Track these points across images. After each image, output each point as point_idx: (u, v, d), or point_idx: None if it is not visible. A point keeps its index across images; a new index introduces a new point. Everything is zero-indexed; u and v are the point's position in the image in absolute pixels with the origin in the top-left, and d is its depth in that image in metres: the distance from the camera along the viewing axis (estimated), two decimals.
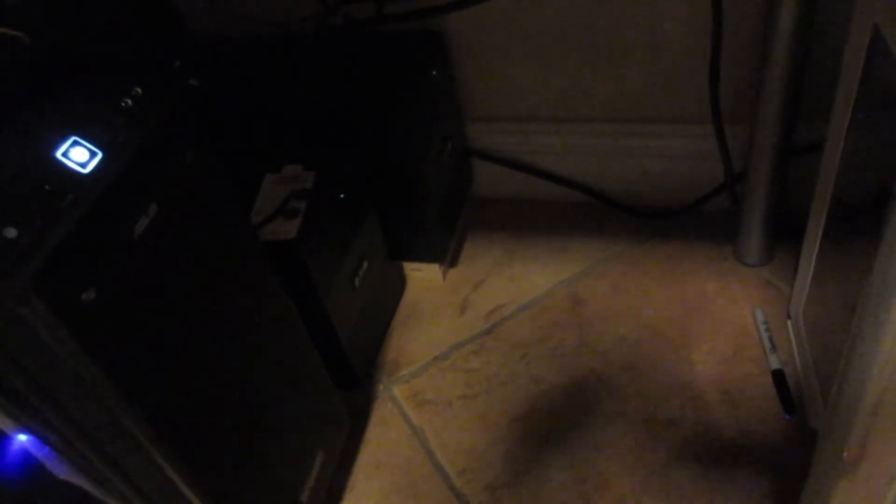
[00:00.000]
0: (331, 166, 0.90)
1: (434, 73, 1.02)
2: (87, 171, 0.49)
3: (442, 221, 1.10)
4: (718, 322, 0.98)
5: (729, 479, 0.83)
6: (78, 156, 0.49)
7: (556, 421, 0.92)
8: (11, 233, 0.44)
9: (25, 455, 0.55)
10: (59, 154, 0.48)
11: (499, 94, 1.12)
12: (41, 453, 0.54)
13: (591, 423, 0.91)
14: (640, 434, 0.89)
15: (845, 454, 0.54)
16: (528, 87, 1.10)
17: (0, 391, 0.48)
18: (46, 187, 0.47)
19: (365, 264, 0.97)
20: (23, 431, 0.52)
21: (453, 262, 1.16)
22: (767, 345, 0.93)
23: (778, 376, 0.90)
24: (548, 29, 1.03)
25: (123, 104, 0.53)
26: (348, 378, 0.97)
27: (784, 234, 1.03)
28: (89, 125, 0.51)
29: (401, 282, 1.13)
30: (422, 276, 1.13)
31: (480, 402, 0.96)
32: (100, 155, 0.50)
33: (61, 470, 0.55)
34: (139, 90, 0.55)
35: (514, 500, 0.86)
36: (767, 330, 0.95)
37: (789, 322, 0.95)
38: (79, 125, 0.50)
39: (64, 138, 0.49)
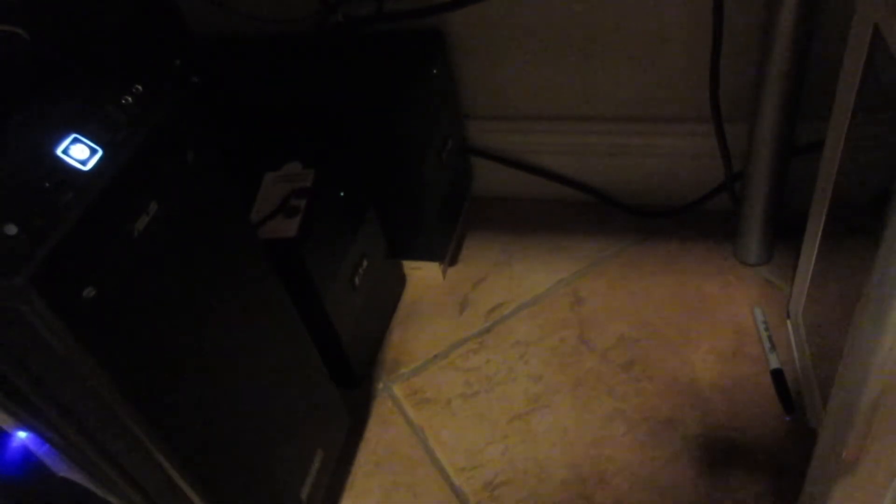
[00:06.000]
0: (331, 165, 0.90)
1: (434, 71, 1.02)
2: (87, 168, 0.49)
3: (442, 220, 1.10)
4: (718, 321, 0.99)
5: (728, 477, 0.83)
6: (78, 153, 0.49)
7: (555, 419, 0.92)
8: (12, 230, 0.44)
9: (25, 452, 0.55)
10: (59, 151, 0.48)
11: (499, 92, 1.12)
12: (41, 450, 0.54)
13: (590, 421, 0.91)
14: (640, 433, 0.89)
15: (844, 453, 0.54)
16: (528, 86, 1.10)
17: (0, 388, 0.48)
18: (47, 185, 0.47)
19: (365, 263, 0.97)
20: (23, 429, 0.53)
21: (453, 261, 1.16)
22: (767, 344, 0.93)
23: (777, 376, 0.90)
24: (548, 28, 1.03)
25: (124, 101, 0.53)
26: (348, 376, 0.97)
27: (784, 234, 1.03)
28: (90, 122, 0.51)
29: (400, 280, 1.13)
30: (421, 274, 1.13)
31: (480, 401, 0.96)
32: (100, 152, 0.50)
33: (61, 467, 0.55)
34: (140, 88, 0.55)
35: (514, 499, 0.86)
36: (767, 329, 0.95)
37: (789, 321, 0.95)
38: (79, 122, 0.50)
39: (64, 135, 0.49)
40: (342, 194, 0.92)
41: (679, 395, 0.91)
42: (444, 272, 1.14)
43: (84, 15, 0.63)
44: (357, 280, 0.96)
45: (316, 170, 0.89)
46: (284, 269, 0.74)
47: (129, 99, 0.54)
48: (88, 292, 0.48)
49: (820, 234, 0.81)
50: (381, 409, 0.98)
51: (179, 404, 0.59)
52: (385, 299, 1.09)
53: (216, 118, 0.94)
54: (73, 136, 0.49)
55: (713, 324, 0.98)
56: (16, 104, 0.50)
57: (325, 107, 0.99)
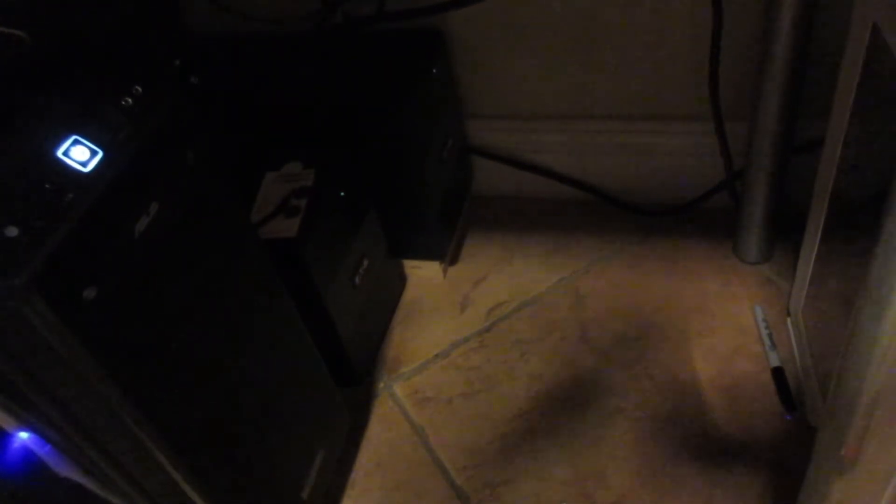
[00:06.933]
0: (331, 164, 0.91)
1: (434, 71, 1.02)
2: (87, 169, 0.49)
3: (442, 219, 1.10)
4: (718, 319, 0.99)
5: (728, 475, 0.83)
6: (78, 154, 0.49)
7: (556, 418, 0.92)
8: (12, 231, 0.44)
9: (27, 453, 0.55)
10: (59, 153, 0.48)
11: (499, 91, 1.12)
12: (42, 451, 0.55)
13: (592, 420, 0.91)
14: (641, 431, 0.89)
15: (843, 451, 0.55)
16: (528, 84, 1.10)
17: (1, 389, 0.49)
18: (47, 186, 0.47)
19: (365, 262, 0.98)
20: (24, 429, 0.53)
21: (453, 260, 1.16)
22: (767, 342, 0.93)
23: (777, 374, 0.90)
24: (548, 26, 1.03)
25: (124, 103, 0.54)
26: (349, 376, 0.97)
27: (784, 232, 1.03)
28: (90, 124, 0.51)
29: (401, 279, 1.14)
30: (422, 273, 1.13)
31: (481, 400, 0.96)
32: (100, 154, 0.50)
33: (62, 468, 0.56)
34: (139, 89, 0.55)
35: (515, 497, 0.86)
36: (767, 327, 0.95)
37: (789, 319, 0.95)
38: (79, 124, 0.50)
39: (64, 137, 0.49)
40: (342, 194, 0.92)
41: (679, 394, 0.91)
42: (444, 271, 1.14)
43: (84, 16, 0.63)
44: (357, 279, 0.96)
45: (316, 170, 0.89)
46: (285, 269, 0.74)
47: (129, 100, 0.54)
48: (89, 293, 0.48)
49: (820, 232, 0.82)
50: (381, 409, 0.98)
51: (180, 404, 0.59)
52: (385, 298, 1.09)
53: (216, 118, 0.94)
54: (74, 137, 0.49)
55: (713, 322, 0.98)
56: (16, 106, 0.50)
57: (325, 107, 0.99)
